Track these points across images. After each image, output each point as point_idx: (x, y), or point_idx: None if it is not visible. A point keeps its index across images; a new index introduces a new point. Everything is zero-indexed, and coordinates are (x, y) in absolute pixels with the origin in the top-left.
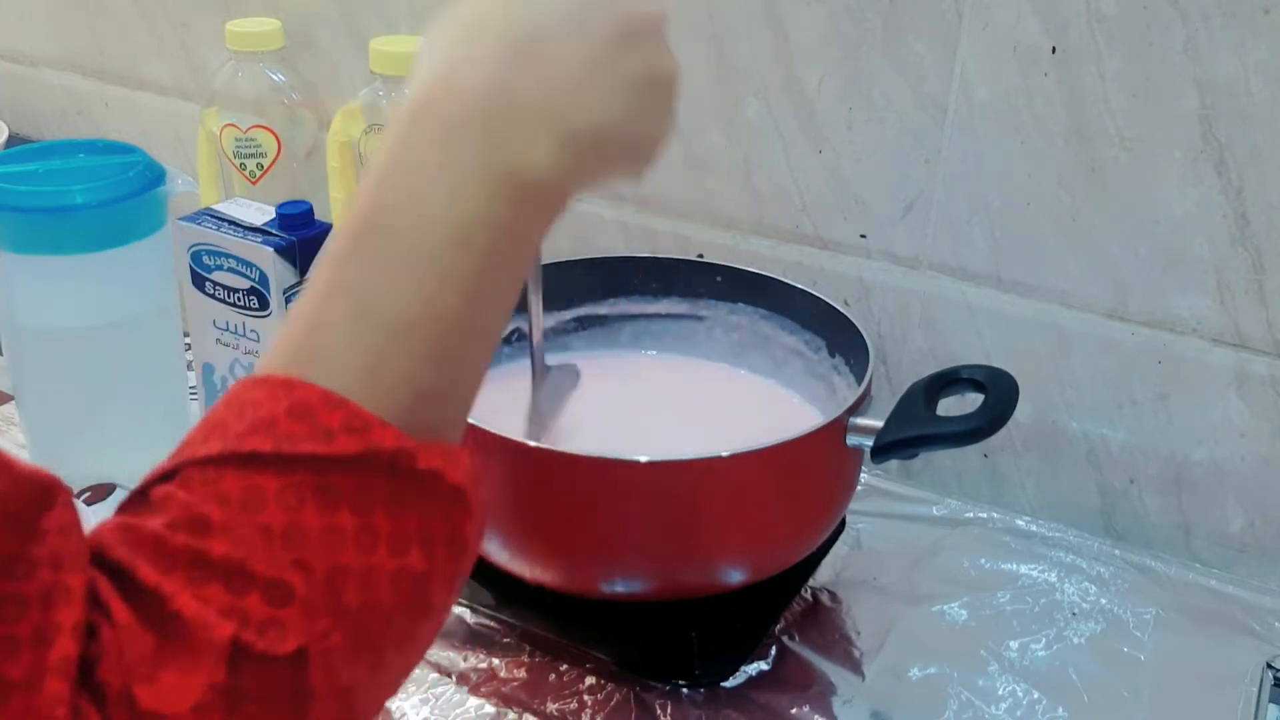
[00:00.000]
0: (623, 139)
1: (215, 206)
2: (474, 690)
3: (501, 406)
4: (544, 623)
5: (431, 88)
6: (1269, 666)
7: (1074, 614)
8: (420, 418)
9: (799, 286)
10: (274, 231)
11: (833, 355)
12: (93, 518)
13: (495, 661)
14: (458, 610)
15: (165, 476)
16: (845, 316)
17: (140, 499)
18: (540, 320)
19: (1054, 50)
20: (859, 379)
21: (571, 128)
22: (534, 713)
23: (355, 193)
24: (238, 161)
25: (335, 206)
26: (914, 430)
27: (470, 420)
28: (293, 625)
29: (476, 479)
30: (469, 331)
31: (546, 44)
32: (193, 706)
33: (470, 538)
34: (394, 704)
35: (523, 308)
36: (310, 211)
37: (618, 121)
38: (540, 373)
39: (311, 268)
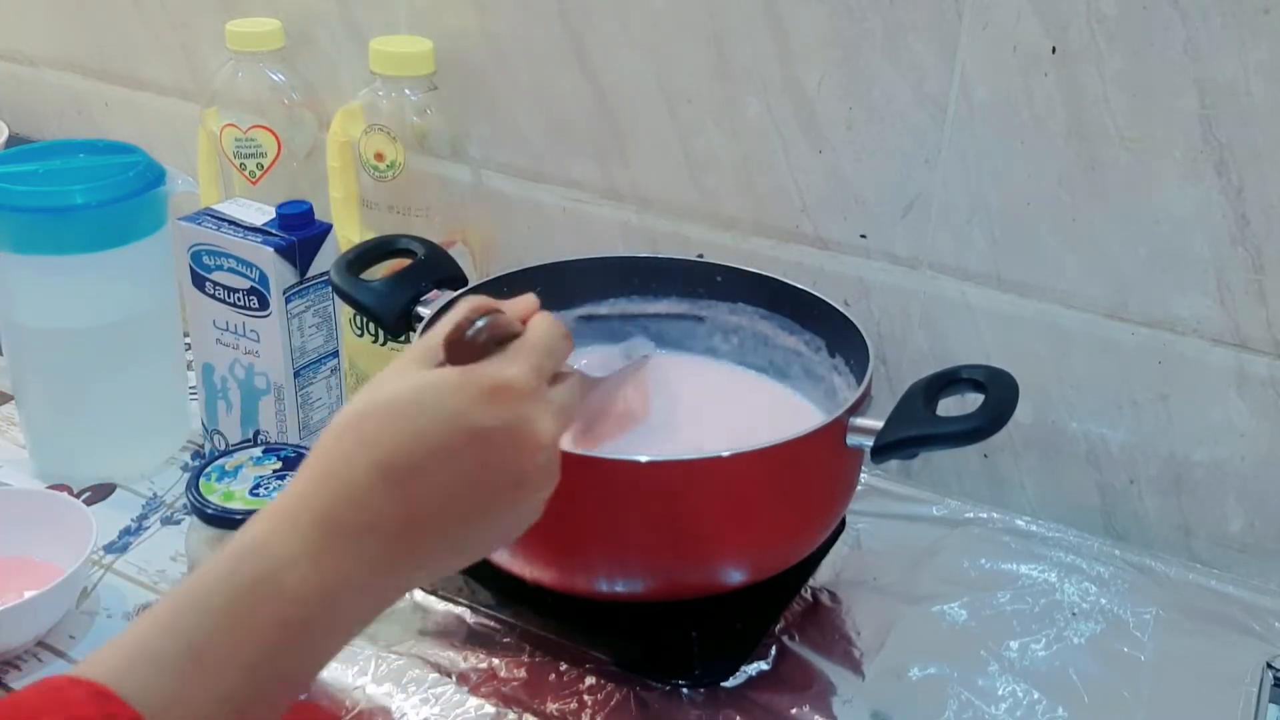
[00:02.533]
0: (482, 545)
1: (215, 206)
2: (474, 690)
3: None
4: (544, 623)
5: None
6: (1269, 666)
7: (1074, 614)
8: None
9: (799, 286)
10: (274, 231)
11: (833, 355)
12: (92, 518)
13: (495, 661)
14: (457, 610)
15: None
16: (845, 316)
17: None
18: None
19: (1054, 50)
20: (859, 379)
21: (435, 556)
22: (534, 713)
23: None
24: (238, 161)
25: (335, 206)
26: (914, 430)
27: None
28: None
29: None
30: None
31: (418, 470)
32: None
33: None
34: (394, 704)
35: None
36: (310, 211)
37: (476, 539)
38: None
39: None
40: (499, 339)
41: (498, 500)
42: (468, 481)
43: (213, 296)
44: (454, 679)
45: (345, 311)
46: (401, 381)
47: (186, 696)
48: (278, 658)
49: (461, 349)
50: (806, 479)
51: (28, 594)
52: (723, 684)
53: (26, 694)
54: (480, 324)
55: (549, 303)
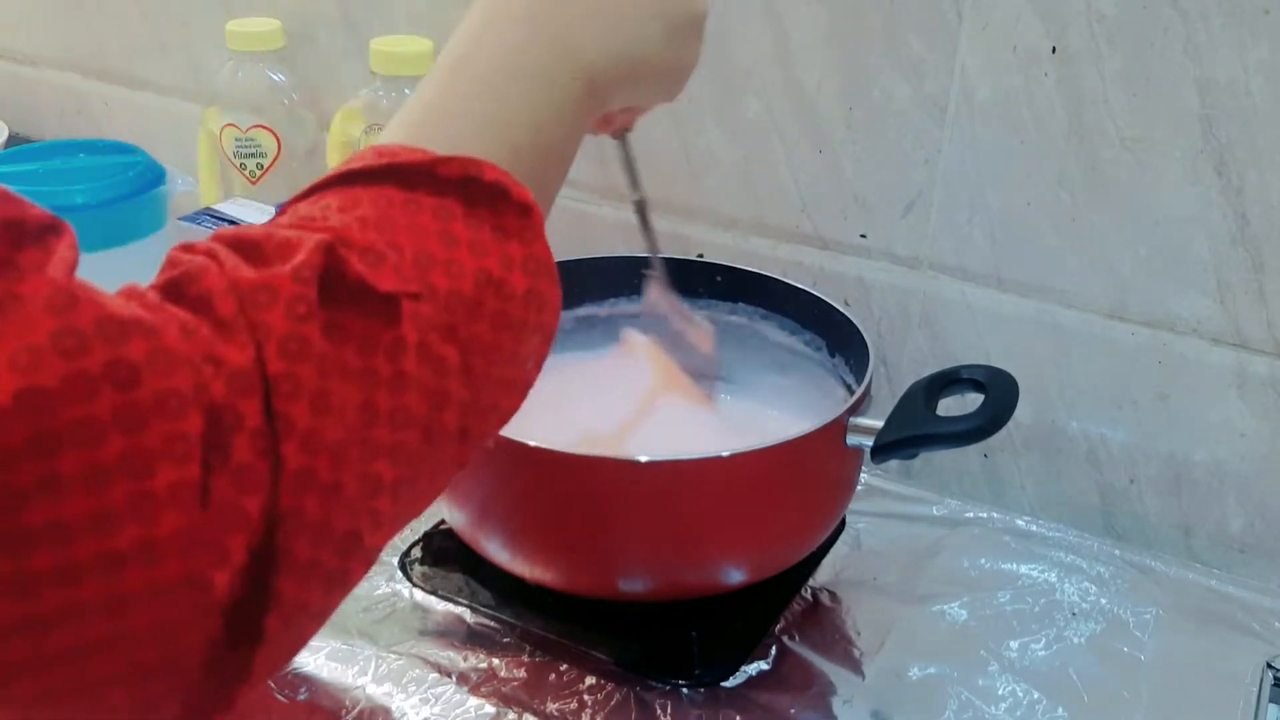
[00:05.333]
0: (656, 67)
1: (215, 206)
2: (474, 690)
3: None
4: (544, 623)
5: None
6: (1269, 666)
7: (1074, 614)
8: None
9: (799, 286)
10: None
11: (833, 355)
12: None
13: (495, 661)
14: (457, 610)
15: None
16: (845, 316)
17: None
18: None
19: (1054, 50)
20: (859, 379)
21: (623, 52)
22: (534, 713)
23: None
24: (238, 161)
25: None
26: (914, 430)
27: None
28: (386, 276)
29: (544, 227)
30: (541, 151)
31: None
32: (293, 275)
33: (544, 263)
34: (394, 704)
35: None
36: None
37: (634, 47)
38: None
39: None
40: None
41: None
42: None
43: None
44: (454, 679)
45: None
46: None
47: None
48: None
49: None
50: (806, 479)
51: None
52: (723, 684)
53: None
54: None
55: None
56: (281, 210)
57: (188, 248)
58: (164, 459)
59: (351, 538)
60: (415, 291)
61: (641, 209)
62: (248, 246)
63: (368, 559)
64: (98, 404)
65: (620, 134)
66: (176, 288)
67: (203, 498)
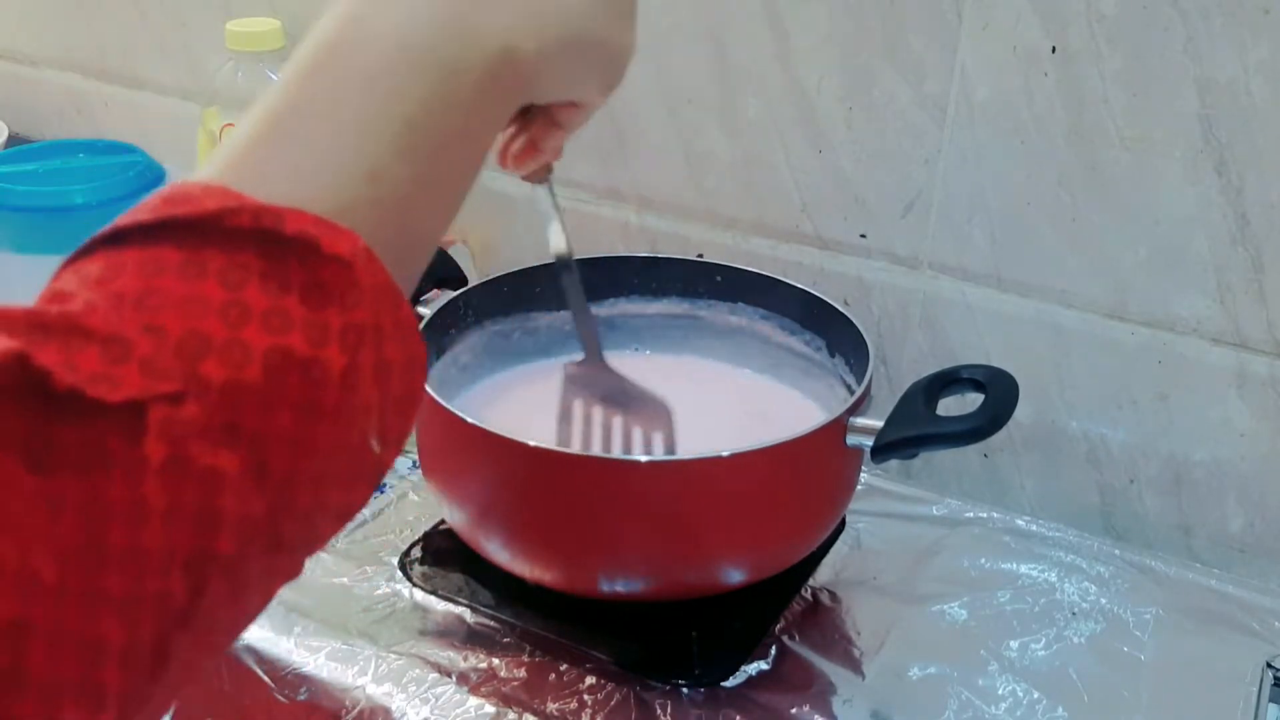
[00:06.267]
0: (590, 48)
1: None
2: (474, 690)
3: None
4: (544, 623)
5: None
6: (1269, 666)
7: (1074, 614)
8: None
9: (799, 286)
10: None
11: (833, 355)
12: None
13: (495, 661)
14: (457, 610)
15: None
16: (845, 316)
17: None
18: (583, 305)
19: (1054, 50)
20: (859, 379)
21: (546, 31)
22: (534, 713)
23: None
24: None
25: None
26: (914, 430)
27: (470, 420)
28: (126, 378)
29: (383, 280)
30: (422, 183)
31: None
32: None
33: (371, 330)
34: (394, 704)
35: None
36: None
37: (588, 28)
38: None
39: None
40: None
41: None
42: None
43: None
44: (454, 679)
45: None
46: None
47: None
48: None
49: None
50: (806, 479)
51: None
52: (723, 684)
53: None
54: None
55: (549, 303)
56: (56, 274)
57: None
58: None
59: None
60: (172, 393)
61: (567, 268)
62: None
63: None
64: None
65: (543, 178)
66: None
67: None
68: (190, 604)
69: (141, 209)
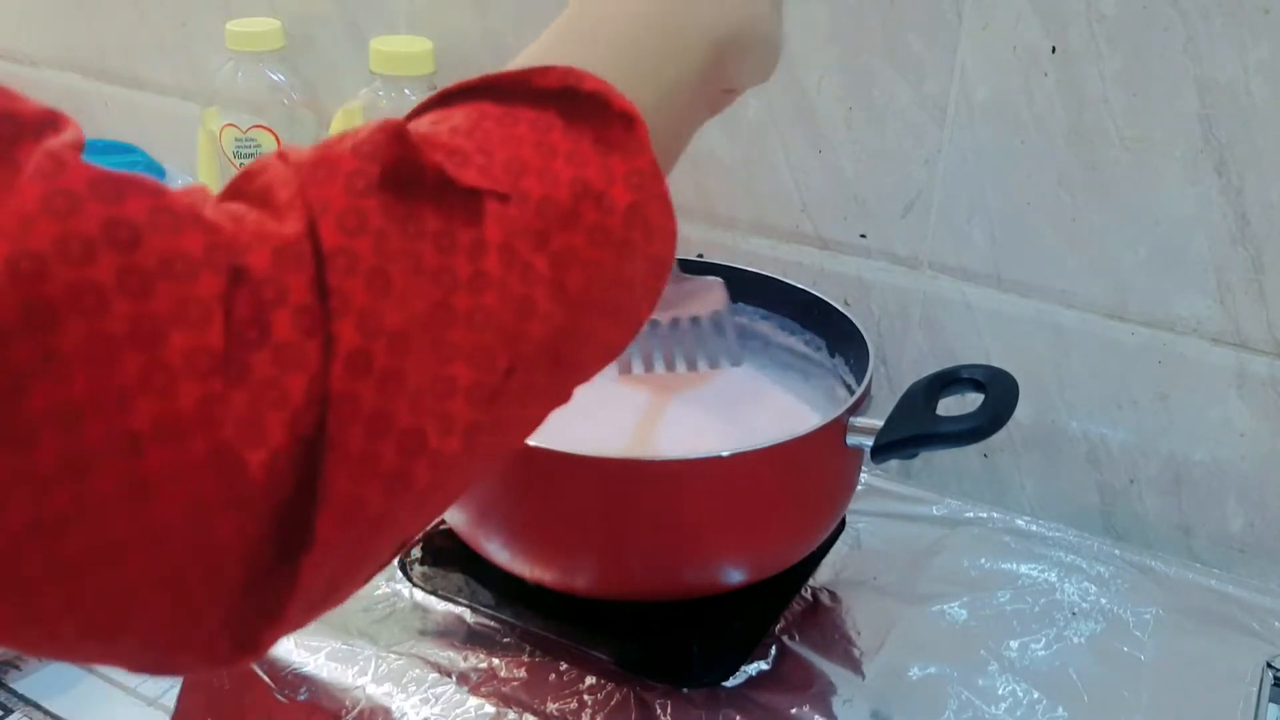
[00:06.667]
0: (755, 37)
1: None
2: (474, 690)
3: None
4: (544, 623)
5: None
6: (1269, 666)
7: (1074, 614)
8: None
9: (799, 286)
10: None
11: (833, 355)
12: None
13: (495, 661)
14: (457, 610)
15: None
16: (845, 316)
17: None
18: None
19: (1054, 50)
20: (859, 379)
21: (718, 33)
22: (534, 713)
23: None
24: (238, 161)
25: None
26: (914, 430)
27: None
28: (470, 174)
29: (651, 156)
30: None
31: None
32: (353, 151)
33: (651, 180)
34: (394, 704)
35: None
36: None
37: (751, 20)
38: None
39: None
40: None
41: None
42: None
43: None
44: (454, 679)
45: None
46: None
47: None
48: None
49: None
50: (806, 479)
51: None
52: (723, 684)
53: None
54: None
55: None
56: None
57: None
58: (175, 325)
59: (414, 435)
60: (503, 193)
61: None
62: (318, 146)
63: (435, 464)
64: (97, 266)
65: None
66: (235, 187)
67: (230, 369)
68: (506, 380)
69: (465, 79)
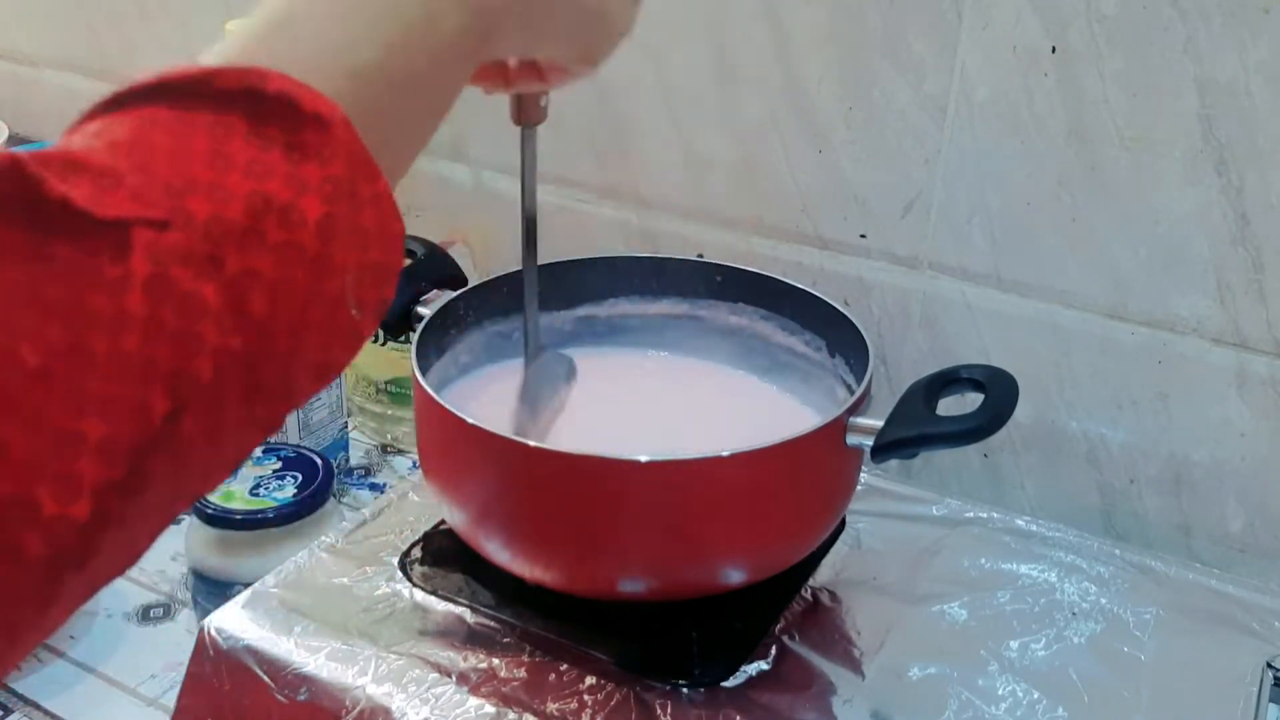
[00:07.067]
0: (560, 7)
1: None
2: (474, 690)
3: (500, 400)
4: (544, 623)
5: None
6: (1269, 666)
7: (1074, 614)
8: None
9: (799, 286)
10: None
11: (833, 355)
12: None
13: (495, 661)
14: (457, 610)
15: None
16: (845, 316)
17: None
18: (534, 298)
19: (1054, 50)
20: (859, 379)
21: None
22: (534, 713)
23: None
24: None
25: None
26: (914, 430)
27: (470, 420)
28: (116, 201)
29: (359, 148)
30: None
31: None
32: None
33: (349, 185)
34: (394, 704)
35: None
36: None
37: None
38: (534, 352)
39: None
40: None
41: None
42: None
43: None
44: (454, 679)
45: None
46: None
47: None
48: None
49: None
50: (806, 479)
51: None
52: (723, 684)
53: None
54: None
55: (549, 303)
56: (59, 140)
57: None
58: None
59: (23, 506)
60: (159, 219)
61: (530, 227)
62: None
63: (50, 534)
64: None
65: (526, 121)
66: None
67: None
68: (168, 425)
69: (140, 77)
